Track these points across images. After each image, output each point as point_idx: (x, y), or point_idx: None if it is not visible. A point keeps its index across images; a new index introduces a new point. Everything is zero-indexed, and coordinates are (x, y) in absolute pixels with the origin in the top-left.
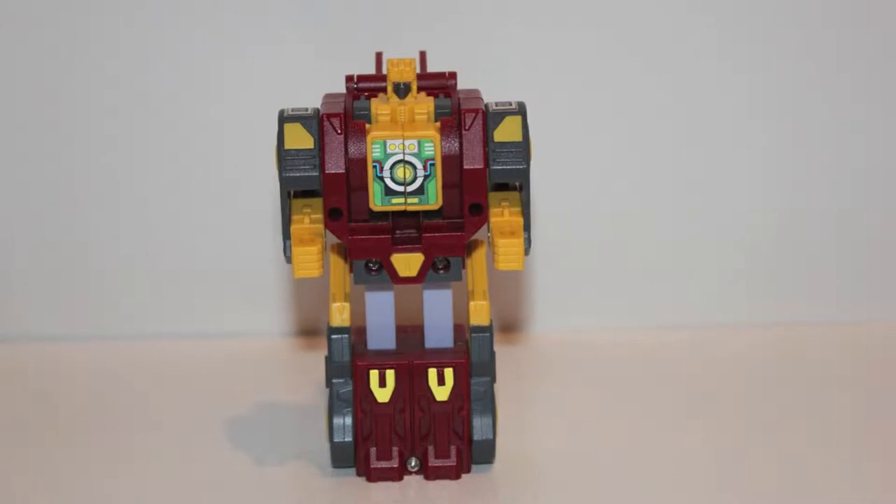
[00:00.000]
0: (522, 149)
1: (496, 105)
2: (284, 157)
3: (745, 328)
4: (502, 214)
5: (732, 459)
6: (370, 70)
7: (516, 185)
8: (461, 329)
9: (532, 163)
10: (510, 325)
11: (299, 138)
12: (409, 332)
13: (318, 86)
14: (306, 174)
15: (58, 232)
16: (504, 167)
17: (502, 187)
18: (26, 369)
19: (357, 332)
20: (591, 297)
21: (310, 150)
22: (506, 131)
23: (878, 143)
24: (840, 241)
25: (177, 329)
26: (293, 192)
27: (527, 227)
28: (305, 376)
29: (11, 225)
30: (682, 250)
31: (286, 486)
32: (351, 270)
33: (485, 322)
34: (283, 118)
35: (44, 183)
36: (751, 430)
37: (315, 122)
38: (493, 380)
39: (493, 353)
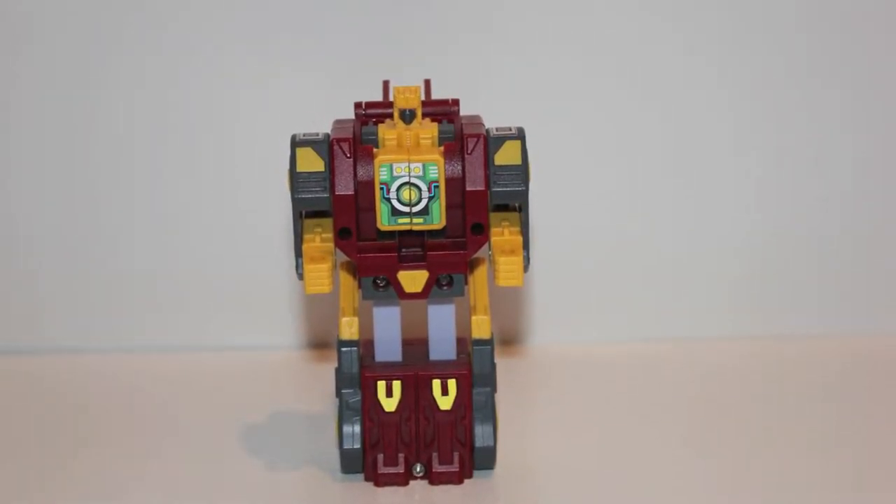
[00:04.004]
0: (521, 172)
1: (497, 130)
2: (297, 179)
3: (740, 340)
4: (503, 234)
5: (730, 468)
6: (377, 97)
7: (516, 205)
8: (464, 342)
9: (531, 184)
10: (510, 339)
11: (311, 162)
12: (415, 345)
13: (327, 112)
14: (317, 195)
15: (79, 248)
16: (504, 189)
17: (503, 207)
18: (47, 380)
19: (365, 344)
20: (588, 311)
21: (321, 172)
22: (506, 155)
23: (864, 163)
24: (828, 257)
25: (194, 342)
26: (305, 213)
27: (526, 245)
28: (316, 387)
29: (36, 239)
30: (676, 265)
31: (298, 490)
32: (359, 287)
33: (486, 335)
34: (296, 143)
35: (66, 198)
36: (748, 439)
37: (325, 146)
38: (494, 390)
39: (493, 365)
